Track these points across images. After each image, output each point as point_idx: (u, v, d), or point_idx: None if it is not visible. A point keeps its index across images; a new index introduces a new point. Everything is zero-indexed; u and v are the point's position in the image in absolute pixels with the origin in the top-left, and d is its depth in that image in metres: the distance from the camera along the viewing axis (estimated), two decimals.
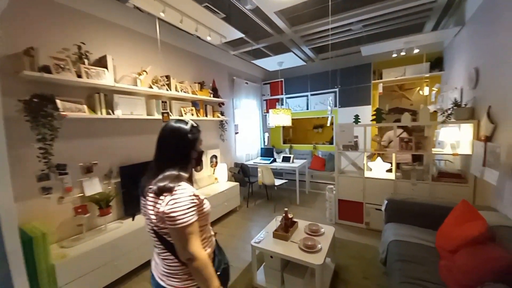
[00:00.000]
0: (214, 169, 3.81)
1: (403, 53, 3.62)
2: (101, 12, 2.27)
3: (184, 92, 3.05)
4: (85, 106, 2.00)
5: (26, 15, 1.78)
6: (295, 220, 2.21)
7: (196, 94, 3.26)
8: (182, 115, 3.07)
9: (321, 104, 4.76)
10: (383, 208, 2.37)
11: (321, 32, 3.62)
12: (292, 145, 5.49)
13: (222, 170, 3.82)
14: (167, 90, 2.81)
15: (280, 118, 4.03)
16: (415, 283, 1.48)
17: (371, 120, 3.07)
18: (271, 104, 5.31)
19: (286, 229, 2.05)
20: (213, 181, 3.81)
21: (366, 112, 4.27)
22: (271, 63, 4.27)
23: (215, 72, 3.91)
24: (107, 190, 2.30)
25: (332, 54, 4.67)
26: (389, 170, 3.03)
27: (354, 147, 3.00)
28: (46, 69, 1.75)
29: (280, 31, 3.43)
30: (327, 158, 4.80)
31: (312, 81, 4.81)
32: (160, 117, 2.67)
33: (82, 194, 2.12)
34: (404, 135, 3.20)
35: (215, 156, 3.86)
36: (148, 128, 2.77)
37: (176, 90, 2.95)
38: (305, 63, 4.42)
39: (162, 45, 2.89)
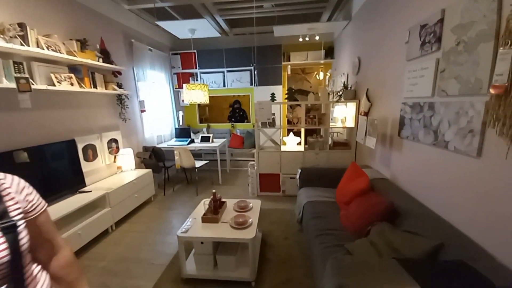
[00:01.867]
0: (115, 156, 3.06)
1: (307, 39, 4.04)
2: None
3: (52, 50, 2.11)
4: None
5: None
6: (223, 200, 2.12)
7: (75, 56, 2.35)
8: (54, 84, 2.16)
9: (238, 81, 4.70)
10: (297, 176, 2.68)
11: (236, 2, 3.42)
12: (210, 124, 5.25)
13: (127, 157, 3.13)
14: (22, 45, 1.84)
15: (196, 94, 3.66)
16: (326, 233, 1.76)
17: (285, 99, 3.32)
18: (184, 79, 4.73)
19: (215, 211, 1.94)
20: (115, 171, 3.07)
21: (278, 92, 4.60)
22: (181, 29, 3.69)
23: (104, 30, 2.95)
24: None
25: (246, 31, 4.60)
26: (299, 143, 3.46)
27: (272, 123, 3.18)
28: None
29: None
30: (245, 135, 4.93)
31: (228, 57, 4.60)
32: (12, 85, 1.74)
33: None
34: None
35: (115, 140, 3.08)
36: None
37: (38, 46, 1.99)
38: (220, 35, 4.12)
39: None
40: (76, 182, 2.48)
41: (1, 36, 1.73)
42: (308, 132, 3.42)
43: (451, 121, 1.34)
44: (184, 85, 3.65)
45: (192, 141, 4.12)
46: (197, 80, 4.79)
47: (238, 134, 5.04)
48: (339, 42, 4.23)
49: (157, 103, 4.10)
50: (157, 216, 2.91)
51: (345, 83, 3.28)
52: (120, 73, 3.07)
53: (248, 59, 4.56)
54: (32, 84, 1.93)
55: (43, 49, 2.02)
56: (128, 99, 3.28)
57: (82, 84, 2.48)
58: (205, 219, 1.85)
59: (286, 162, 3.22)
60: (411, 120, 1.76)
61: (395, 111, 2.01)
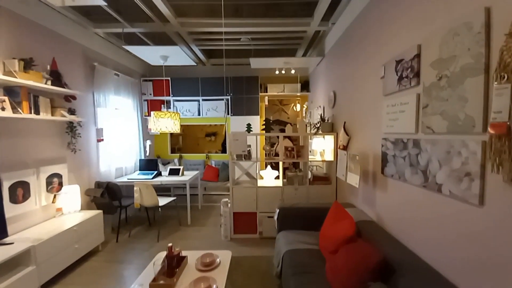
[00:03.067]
0: (55, 196, 2.50)
1: (283, 72, 4.10)
2: None
3: None
4: None
5: None
6: (183, 255, 1.70)
7: (15, 77, 1.98)
8: None
9: (213, 110, 4.51)
10: (275, 217, 2.36)
11: (212, 33, 3.39)
12: (182, 154, 4.85)
13: (71, 196, 2.58)
14: None
15: (166, 123, 3.35)
16: None
17: (262, 130, 3.14)
18: (154, 106, 4.43)
19: (170, 273, 1.51)
20: (53, 214, 2.48)
21: (255, 122, 4.47)
22: (152, 55, 3.51)
23: (59, 50, 2.64)
24: None
25: (222, 62, 4.59)
26: (277, 177, 3.20)
27: (248, 156, 2.93)
28: None
29: (164, 19, 2.85)
30: (220, 167, 4.58)
31: (204, 85, 4.47)
32: None
33: None
34: (286, 143, 3.53)
35: (58, 175, 2.55)
36: None
37: None
38: (195, 64, 4.01)
39: None
40: None
41: None
42: (286, 166, 3.21)
43: (441, 161, 1.19)
44: (151, 112, 3.34)
45: (159, 174, 3.66)
46: (169, 108, 4.51)
47: (213, 165, 4.68)
48: (314, 76, 4.35)
49: (120, 132, 3.67)
50: (102, 273, 2.30)
51: (322, 115, 3.24)
52: (74, 98, 2.69)
53: (224, 89, 4.47)
54: None
55: None
56: (81, 126, 2.84)
57: (19, 109, 2.06)
58: (154, 286, 1.40)
59: (263, 199, 2.90)
60: (395, 157, 1.61)
61: (376, 146, 1.88)
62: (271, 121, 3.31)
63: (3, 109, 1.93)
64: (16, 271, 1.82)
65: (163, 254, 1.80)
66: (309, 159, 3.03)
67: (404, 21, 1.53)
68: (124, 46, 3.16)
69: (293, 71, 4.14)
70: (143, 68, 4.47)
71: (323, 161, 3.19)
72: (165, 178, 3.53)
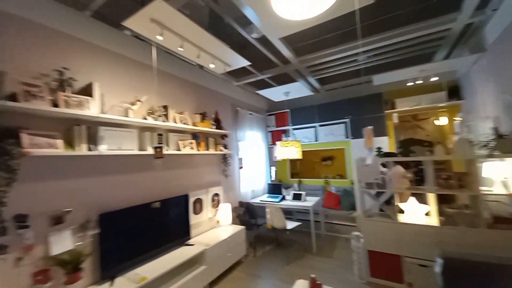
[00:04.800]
0: (216, 210, 3.28)
1: (419, 82, 3.43)
2: (90, 36, 2.04)
3: (183, 123, 2.73)
4: (59, 141, 1.63)
5: None
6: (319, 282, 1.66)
7: (197, 126, 2.94)
8: (180, 149, 2.70)
9: (331, 135, 4.44)
10: (438, 269, 1.82)
11: (327, 62, 3.49)
12: (301, 179, 5.02)
13: (225, 211, 3.29)
14: (164, 121, 2.48)
15: (289, 150, 3.65)
16: None
17: (398, 154, 2.68)
18: (277, 136, 5.00)
19: None
20: (214, 224, 3.26)
21: (383, 144, 3.91)
22: (276, 94, 4.07)
23: (218, 103, 3.67)
24: (80, 246, 1.79)
25: (338, 85, 4.54)
26: (427, 213, 2.53)
27: (382, 185, 2.56)
28: (12, 96, 1.42)
29: (285, 61, 3.28)
30: (341, 194, 4.28)
31: (320, 112, 4.58)
32: (152, 152, 2.29)
33: (46, 254, 1.62)
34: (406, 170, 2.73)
35: (217, 195, 3.37)
36: (138, 165, 2.36)
37: (174, 122, 2.63)
38: (312, 93, 4.23)
39: (159, 74, 2.67)
40: (183, 234, 2.73)
41: (152, 115, 2.39)
42: (442, 199, 2.48)
43: None
44: (277, 142, 3.77)
45: (284, 198, 3.95)
46: (289, 136, 4.92)
47: (333, 191, 4.46)
48: (469, 79, 3.30)
49: (253, 160, 4.39)
50: (246, 285, 2.66)
51: (497, 129, 2.31)
52: (226, 136, 3.57)
53: (342, 112, 4.33)
54: (166, 150, 2.48)
55: (177, 123, 2.64)
56: (230, 157, 3.68)
57: (199, 148, 2.99)
58: None
59: (409, 240, 2.35)
60: None
61: None
62: (407, 142, 2.76)
63: (192, 148, 2.88)
64: (193, 268, 2.42)
65: (302, 282, 1.85)
66: (483, 191, 2.18)
67: None
68: (257, 92, 3.91)
69: (435, 78, 3.36)
70: (267, 104, 5.27)
71: (509, 195, 2.18)
72: (290, 202, 3.74)
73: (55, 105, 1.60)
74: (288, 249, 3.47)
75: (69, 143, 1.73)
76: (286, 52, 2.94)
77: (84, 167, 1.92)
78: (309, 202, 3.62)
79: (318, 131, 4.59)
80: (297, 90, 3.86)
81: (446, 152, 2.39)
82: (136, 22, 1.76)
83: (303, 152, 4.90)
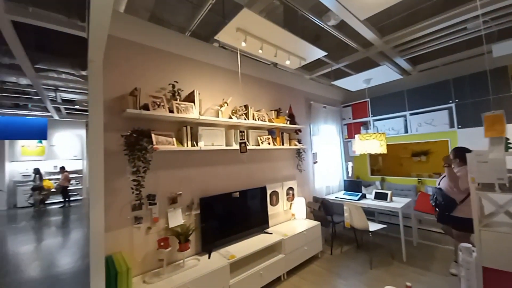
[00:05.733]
0: (291, 204, 3.37)
1: None
2: (190, 53, 2.48)
3: (261, 120, 2.92)
4: (173, 139, 2.08)
5: (129, 61, 2.06)
6: None
7: (273, 122, 3.08)
8: (258, 144, 2.91)
9: (427, 124, 3.69)
10: None
11: (421, 38, 2.89)
12: (384, 176, 4.44)
13: (300, 205, 3.33)
14: (245, 119, 2.74)
15: (371, 145, 3.30)
16: None
17: None
18: (355, 129, 4.58)
19: None
20: (289, 217, 3.36)
21: (510, 133, 2.94)
22: (354, 83, 3.73)
23: (291, 98, 3.70)
24: (188, 222, 2.26)
25: (437, 63, 3.70)
26: None
27: (508, 187, 1.95)
28: (145, 106, 1.92)
29: (367, 44, 2.95)
30: None
31: (411, 98, 3.86)
32: (237, 147, 2.57)
33: (166, 226, 2.14)
34: None
35: (291, 188, 3.45)
36: (226, 158, 2.73)
37: (253, 119, 2.85)
38: (401, 77, 3.63)
39: (241, 76, 2.94)
40: (262, 222, 2.96)
41: (235, 115, 2.67)
42: None
43: None
44: (356, 135, 3.47)
45: (364, 196, 3.62)
46: (368, 128, 4.42)
47: (429, 193, 3.72)
48: None
49: (327, 155, 4.21)
50: (325, 279, 2.64)
51: None
52: (300, 131, 3.58)
53: (444, 96, 3.51)
54: (247, 145, 2.73)
55: (256, 120, 2.85)
56: (304, 152, 3.67)
57: (275, 143, 3.13)
58: None
59: None
60: None
61: None
62: None
63: (269, 143, 3.04)
64: (273, 255, 2.58)
65: None
66: None
67: None
68: (332, 83, 3.70)
69: None
70: (343, 96, 4.90)
71: None
72: (371, 201, 3.39)
73: (171, 111, 2.05)
74: (371, 253, 3.17)
75: (180, 141, 2.18)
76: (368, 34, 2.64)
77: (189, 160, 2.38)
78: (398, 203, 3.17)
79: (409, 120, 3.89)
80: (381, 75, 3.41)
81: None
82: (225, 34, 2.01)
83: (389, 146, 4.32)
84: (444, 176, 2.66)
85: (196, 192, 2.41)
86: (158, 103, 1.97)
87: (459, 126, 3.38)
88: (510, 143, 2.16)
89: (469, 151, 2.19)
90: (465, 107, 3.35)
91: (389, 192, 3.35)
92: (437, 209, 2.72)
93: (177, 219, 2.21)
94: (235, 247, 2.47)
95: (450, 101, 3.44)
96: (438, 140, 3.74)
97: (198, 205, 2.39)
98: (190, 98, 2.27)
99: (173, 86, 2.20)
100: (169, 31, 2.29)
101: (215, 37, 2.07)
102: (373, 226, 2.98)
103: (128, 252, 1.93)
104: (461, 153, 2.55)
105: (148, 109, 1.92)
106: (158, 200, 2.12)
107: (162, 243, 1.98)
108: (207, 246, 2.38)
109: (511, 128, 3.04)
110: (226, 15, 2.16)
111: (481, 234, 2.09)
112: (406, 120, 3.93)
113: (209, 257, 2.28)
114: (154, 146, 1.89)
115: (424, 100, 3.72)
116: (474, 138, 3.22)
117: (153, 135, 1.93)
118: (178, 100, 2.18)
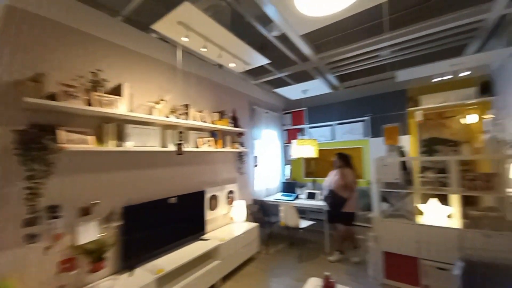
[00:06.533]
0: (231, 207, 3.35)
1: (448, 77, 3.24)
2: (121, 40, 2.16)
3: (203, 121, 2.80)
4: (89, 138, 1.75)
5: (39, 39, 1.65)
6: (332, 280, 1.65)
7: (215, 124, 3.00)
8: (197, 146, 2.78)
9: (348, 133, 4.34)
10: (457, 271, 1.74)
11: (347, 59, 3.39)
12: (316, 178, 4.96)
13: (240, 208, 3.35)
14: (185, 119, 2.57)
15: (305, 149, 3.63)
16: None
17: (422, 153, 2.57)
18: (293, 134, 4.96)
19: None
20: (228, 221, 3.33)
21: (405, 143, 3.75)
22: (293, 92, 4.04)
23: (236, 101, 3.71)
24: (105, 237, 1.92)
25: (358, 82, 4.40)
26: (449, 215, 2.41)
27: (402, 185, 2.47)
28: (52, 96, 1.55)
29: (305, 58, 3.24)
30: (358, 194, 4.18)
31: (337, 110, 4.48)
32: (174, 148, 2.38)
33: (73, 243, 1.76)
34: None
35: (232, 192, 3.43)
36: (160, 161, 2.48)
37: (194, 120, 2.71)
38: (331, 91, 4.14)
39: (182, 74, 2.76)
40: (199, 229, 2.80)
41: (174, 114, 2.48)
42: (466, 201, 2.35)
43: None
44: (293, 141, 3.75)
45: (297, 196, 3.94)
46: (304, 134, 4.86)
47: None
48: (502, 74, 3.06)
49: (268, 158, 4.41)
50: (259, 280, 2.71)
51: None
52: (243, 134, 3.61)
53: (362, 110, 4.21)
54: (186, 147, 2.57)
55: (197, 121, 2.72)
56: (246, 155, 3.72)
57: (217, 145, 3.06)
58: None
59: (428, 242, 2.27)
60: None
61: None
62: (431, 141, 2.64)
63: (209, 145, 2.95)
64: (208, 262, 2.47)
65: (314, 280, 1.85)
66: (510, 193, 2.04)
67: None
68: (274, 90, 3.90)
69: (466, 73, 3.15)
70: (284, 103, 5.23)
71: None
72: (304, 201, 3.72)
73: (89, 104, 1.72)
74: (301, 248, 3.46)
75: (100, 140, 1.85)
76: (305, 49, 2.90)
77: (112, 162, 2.05)
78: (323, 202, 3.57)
79: (336, 129, 4.50)
80: (316, 88, 3.81)
81: (472, 151, 2.26)
82: (164, 25, 1.83)
83: (319, 151, 4.85)
84: (335, 176, 3.18)
85: (119, 200, 2.08)
86: (71, 93, 1.62)
87: (371, 136, 4.10)
88: (402, 149, 2.72)
89: (347, 156, 3.17)
90: (377, 120, 4.10)
91: (317, 192, 3.75)
92: (329, 209, 3.20)
93: (89, 233, 1.84)
94: (166, 259, 2.25)
95: (365, 115, 4.15)
96: (356, 147, 4.45)
97: (121, 215, 2.07)
98: (117, 91, 1.97)
99: (95, 75, 1.86)
100: (96, 11, 1.93)
101: (151, 26, 1.86)
102: (303, 223, 3.26)
103: (19, 278, 1.51)
104: (344, 158, 3.23)
105: (55, 99, 1.55)
106: (65, 211, 1.74)
107: (66, 265, 1.62)
108: (129, 262, 2.07)
109: (407, 139, 3.91)
110: (170, 6, 1.98)
111: (380, 224, 2.56)
112: (333, 129, 4.52)
113: (130, 275, 1.99)
114: (61, 145, 1.54)
115: (347, 113, 4.37)
116: (381, 146, 3.97)
117: (60, 132, 1.57)
118: (101, 92, 1.85)
